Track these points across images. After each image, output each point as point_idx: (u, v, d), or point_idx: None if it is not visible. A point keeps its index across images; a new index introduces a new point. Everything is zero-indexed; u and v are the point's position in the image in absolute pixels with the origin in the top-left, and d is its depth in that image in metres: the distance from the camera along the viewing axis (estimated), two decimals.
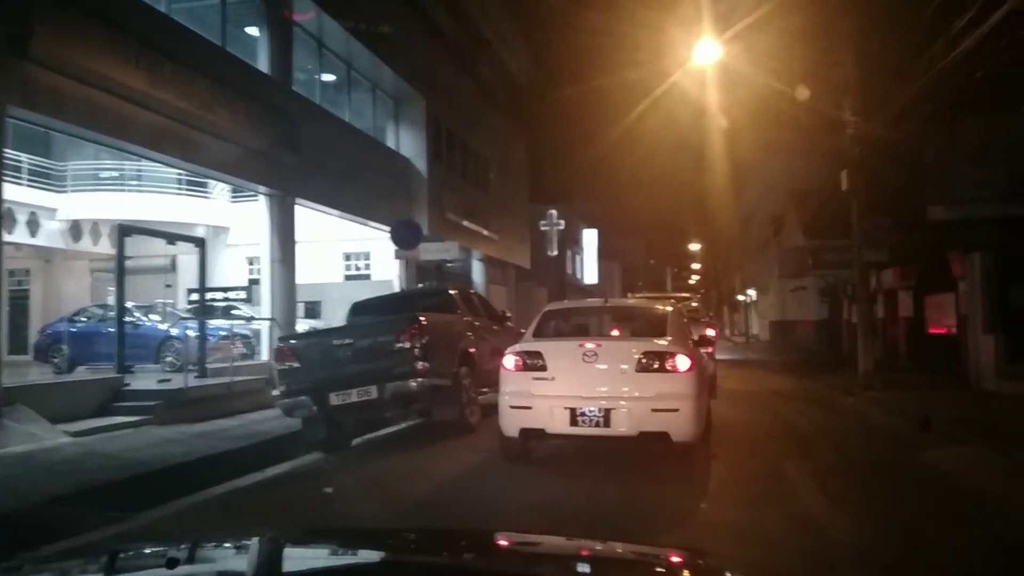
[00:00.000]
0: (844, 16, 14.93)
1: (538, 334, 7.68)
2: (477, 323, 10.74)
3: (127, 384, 11.24)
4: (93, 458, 7.79)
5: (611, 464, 7.28)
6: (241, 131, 12.86)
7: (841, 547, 4.86)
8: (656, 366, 6.68)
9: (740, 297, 50.93)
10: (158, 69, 10.76)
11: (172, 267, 18.81)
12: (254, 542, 2.22)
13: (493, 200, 27.20)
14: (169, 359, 13.95)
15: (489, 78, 28.59)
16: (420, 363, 8.54)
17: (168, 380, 11.89)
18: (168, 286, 16.64)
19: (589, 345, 7.01)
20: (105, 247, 19.04)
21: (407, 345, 8.59)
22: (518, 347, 7.37)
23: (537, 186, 35.66)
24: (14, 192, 16.71)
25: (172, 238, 13.62)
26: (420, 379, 8.53)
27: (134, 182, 19.48)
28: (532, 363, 7.02)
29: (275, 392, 9.24)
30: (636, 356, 6.75)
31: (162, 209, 18.85)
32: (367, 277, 21.42)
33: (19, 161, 17.15)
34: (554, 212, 34.63)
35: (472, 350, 9.94)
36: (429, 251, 18.39)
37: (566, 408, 6.73)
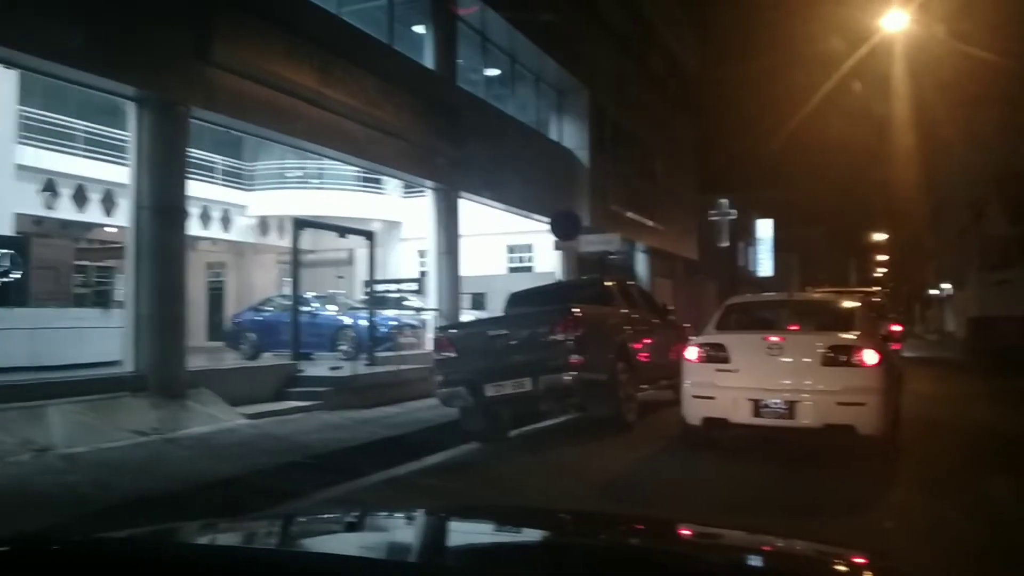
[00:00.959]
0: None
1: (720, 327, 7.88)
2: (636, 316, 10.36)
3: (301, 370, 11.85)
4: (265, 440, 8.21)
5: (786, 458, 6.90)
6: (407, 127, 13.20)
7: None
8: (842, 360, 6.74)
9: (932, 291, 46.96)
10: (329, 68, 11.25)
11: (350, 260, 19.85)
12: (418, 514, 2.24)
13: (659, 190, 26.53)
14: (343, 347, 14.64)
15: (655, 66, 27.89)
16: (574, 356, 8.34)
17: (339, 368, 12.41)
18: (340, 277, 17.50)
19: (773, 338, 7.21)
20: (290, 241, 20.36)
21: (561, 337, 8.42)
22: (701, 339, 7.70)
23: (707, 175, 34.44)
24: (209, 191, 18.25)
25: (343, 232, 14.28)
26: (574, 373, 8.33)
27: (316, 180, 20.70)
28: (715, 355, 7.29)
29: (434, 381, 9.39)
30: (822, 350, 6.85)
31: (341, 205, 19.86)
32: (529, 269, 21.54)
33: (213, 162, 18.65)
34: (725, 201, 33.06)
35: (630, 344, 9.62)
36: (590, 243, 18.17)
37: (749, 399, 6.94)
